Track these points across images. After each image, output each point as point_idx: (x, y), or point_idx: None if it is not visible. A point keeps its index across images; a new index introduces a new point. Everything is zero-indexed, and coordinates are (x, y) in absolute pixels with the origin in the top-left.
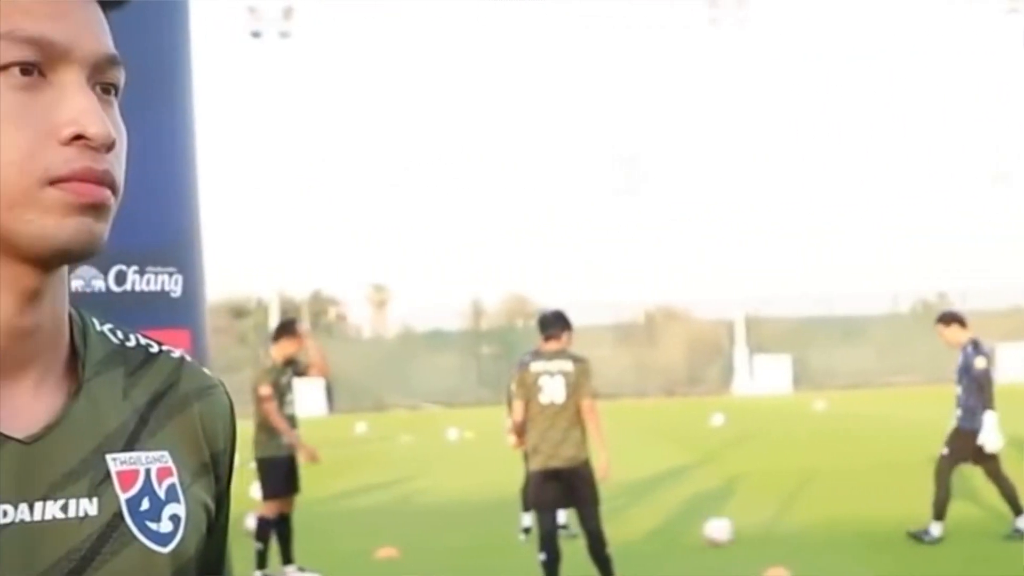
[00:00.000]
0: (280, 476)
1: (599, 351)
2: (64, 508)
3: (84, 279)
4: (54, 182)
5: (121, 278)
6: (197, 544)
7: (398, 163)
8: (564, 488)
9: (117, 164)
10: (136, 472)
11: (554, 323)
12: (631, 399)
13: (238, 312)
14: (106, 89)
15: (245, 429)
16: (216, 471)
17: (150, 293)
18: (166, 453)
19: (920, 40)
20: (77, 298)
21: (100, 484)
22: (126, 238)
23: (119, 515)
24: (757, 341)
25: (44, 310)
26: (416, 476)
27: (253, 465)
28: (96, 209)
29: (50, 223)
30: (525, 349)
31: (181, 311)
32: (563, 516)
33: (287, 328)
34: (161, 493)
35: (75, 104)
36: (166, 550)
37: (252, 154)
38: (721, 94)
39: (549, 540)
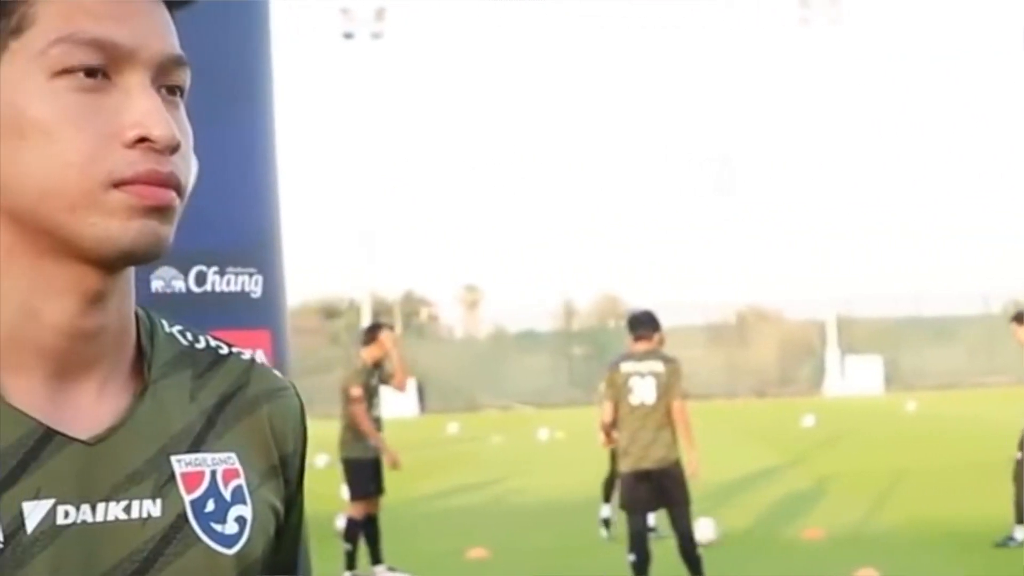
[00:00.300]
0: (366, 477)
1: (690, 352)
2: (127, 509)
3: (164, 280)
4: (118, 184)
5: (201, 279)
6: (264, 546)
7: (491, 163)
8: (655, 489)
9: (183, 165)
10: (201, 473)
11: (644, 323)
12: (722, 400)
13: (330, 313)
14: (171, 90)
15: (334, 430)
16: (286, 474)
17: (230, 294)
18: (233, 455)
19: (1016, 38)
20: (158, 299)
21: (164, 485)
22: (206, 239)
23: (183, 516)
24: (848, 342)
25: (109, 311)
26: (507, 476)
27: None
28: (161, 211)
29: (114, 225)
30: (617, 350)
31: (261, 312)
32: (651, 518)
33: (378, 330)
34: (227, 495)
35: (139, 106)
36: (231, 551)
37: (346, 155)
38: (813, 93)
39: (639, 541)
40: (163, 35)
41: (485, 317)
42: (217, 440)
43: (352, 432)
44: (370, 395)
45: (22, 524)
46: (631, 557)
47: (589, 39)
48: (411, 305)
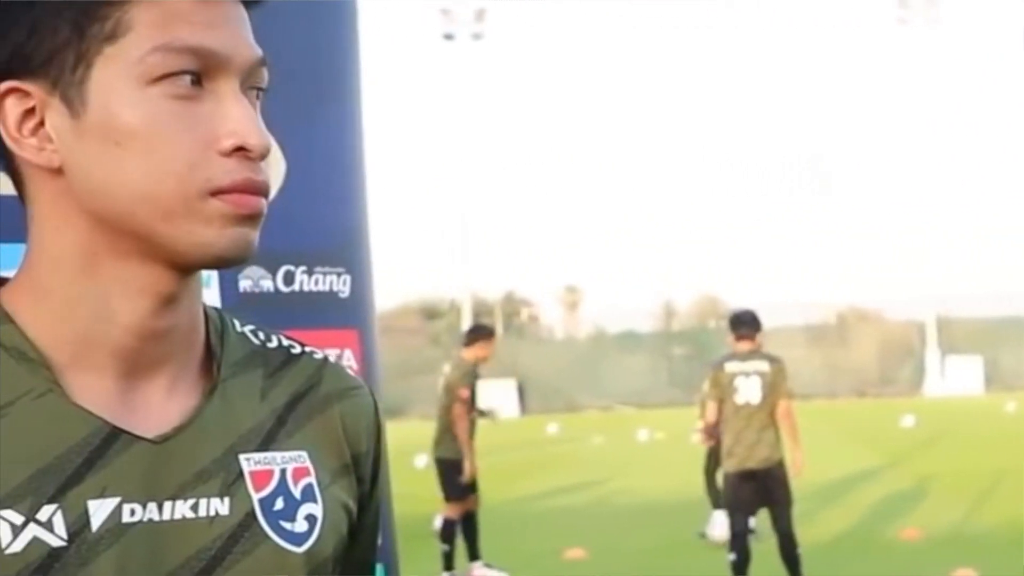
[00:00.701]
0: (461, 477)
1: (791, 352)
2: (194, 507)
3: (253, 279)
4: (215, 193)
5: (289, 278)
6: (336, 544)
7: (593, 163)
8: (758, 489)
9: (268, 169)
10: (271, 472)
11: (746, 323)
12: (822, 400)
13: (430, 314)
14: (256, 93)
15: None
16: (358, 472)
17: (318, 293)
18: (304, 453)
19: None
20: (246, 298)
21: (232, 484)
22: (294, 239)
23: (251, 515)
24: (949, 342)
25: (180, 312)
26: (606, 477)
27: None
28: (254, 219)
29: (211, 233)
30: (717, 350)
31: (349, 311)
32: (751, 520)
33: (479, 332)
34: (296, 493)
35: (234, 115)
36: (300, 549)
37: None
38: (911, 93)
39: (740, 540)
40: (249, 39)
41: (585, 318)
42: (288, 438)
43: (449, 433)
44: (473, 399)
45: (87, 522)
46: (731, 556)
47: (690, 39)
48: (512, 306)
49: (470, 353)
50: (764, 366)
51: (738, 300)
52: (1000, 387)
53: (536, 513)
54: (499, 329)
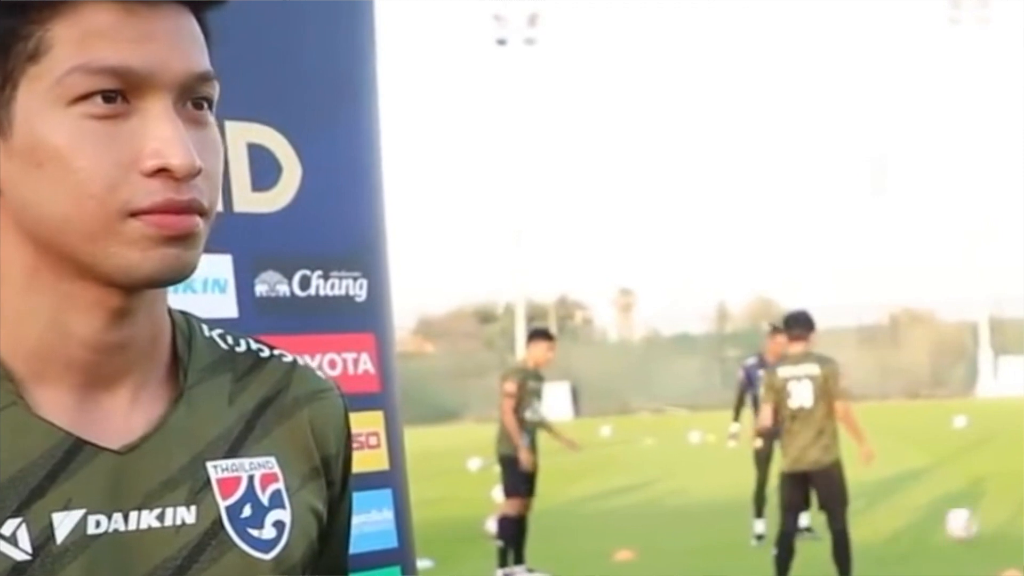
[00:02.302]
0: (520, 476)
1: (843, 353)
2: (160, 517)
3: (269, 284)
4: (135, 214)
5: (305, 283)
6: (305, 550)
7: (645, 167)
8: (813, 490)
9: (207, 186)
10: (238, 479)
11: (800, 323)
12: (874, 401)
13: (485, 317)
14: (197, 104)
15: (489, 434)
16: (328, 475)
17: (334, 298)
18: (272, 459)
19: None
20: (261, 303)
21: (199, 492)
22: (310, 243)
23: (218, 522)
24: (1001, 342)
25: (137, 325)
26: (657, 479)
27: (498, 468)
28: (182, 239)
29: (134, 256)
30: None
31: (366, 315)
32: (805, 519)
33: (536, 334)
34: (264, 499)
35: (158, 134)
36: (268, 556)
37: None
38: (962, 93)
39: (786, 539)
40: (186, 52)
41: (639, 320)
42: (255, 444)
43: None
44: (526, 397)
45: (52, 535)
46: (774, 551)
47: (743, 42)
48: (566, 308)
49: (529, 354)
50: (815, 369)
51: (791, 302)
52: None
53: (587, 514)
54: (553, 331)
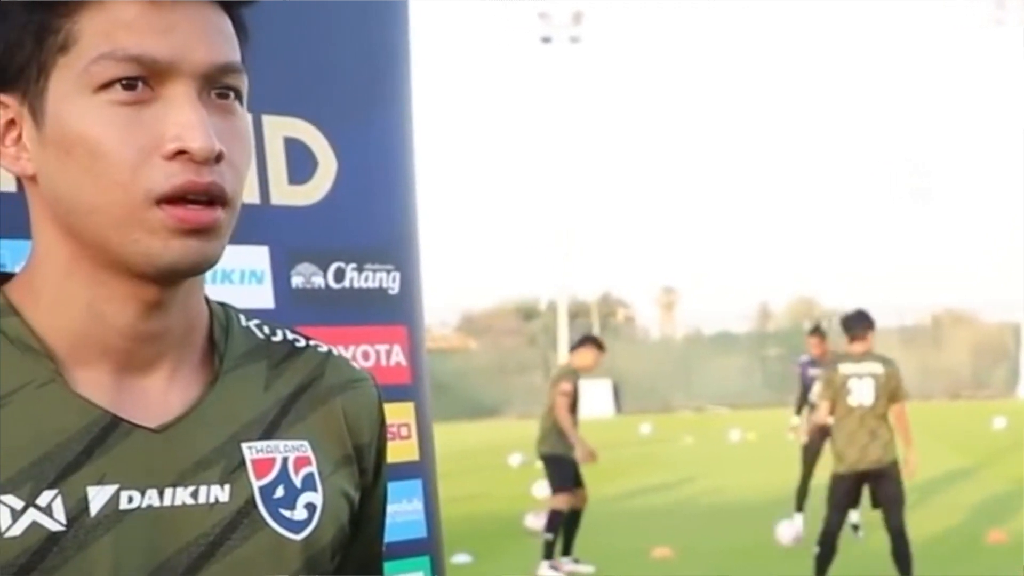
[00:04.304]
0: (565, 473)
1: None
2: (194, 495)
3: (304, 276)
4: (159, 201)
5: (340, 275)
6: (335, 533)
7: (688, 166)
8: (870, 489)
9: (230, 173)
10: (272, 460)
11: (859, 323)
12: (916, 402)
13: (527, 314)
14: (223, 94)
15: (530, 430)
16: (361, 463)
17: (368, 290)
18: (306, 443)
19: None
20: (297, 294)
21: (233, 472)
22: (345, 236)
23: (251, 502)
24: None
25: (171, 316)
26: (696, 477)
27: (539, 464)
28: (202, 232)
29: (156, 244)
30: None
31: (399, 308)
32: (855, 516)
33: (586, 341)
34: (297, 481)
35: (178, 118)
36: (299, 537)
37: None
38: (1008, 95)
39: (830, 538)
40: (210, 43)
41: (681, 319)
42: (290, 428)
43: (554, 430)
44: (576, 399)
45: (86, 508)
46: (816, 549)
47: (789, 42)
48: (608, 306)
49: (575, 358)
50: (878, 368)
51: (833, 302)
52: None
53: (625, 511)
54: (595, 329)
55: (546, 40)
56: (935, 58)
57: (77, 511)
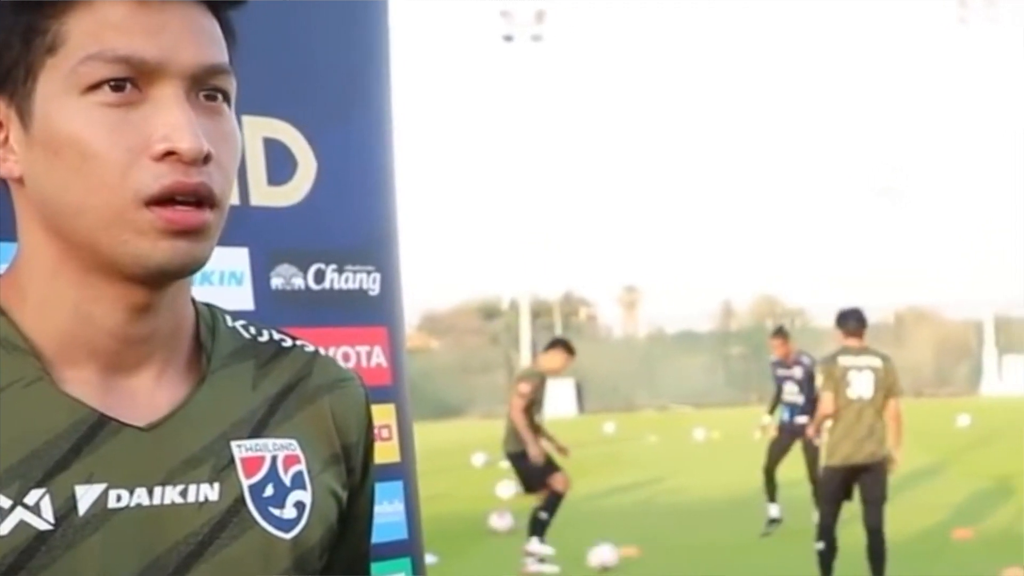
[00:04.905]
0: (536, 469)
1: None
2: (183, 493)
3: (284, 277)
4: (148, 203)
5: (320, 276)
6: (323, 532)
7: (651, 164)
8: (858, 483)
9: (219, 175)
10: (262, 458)
11: (854, 320)
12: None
13: (489, 313)
14: (211, 96)
15: (494, 430)
16: (348, 463)
17: (348, 291)
18: (294, 441)
19: None
20: (277, 296)
21: (223, 470)
22: (325, 237)
23: (240, 500)
24: (1006, 341)
25: (159, 318)
26: (661, 476)
27: (503, 464)
28: (191, 234)
29: (144, 245)
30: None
31: (379, 309)
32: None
33: (557, 344)
34: (286, 480)
35: (167, 119)
36: (288, 536)
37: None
38: (971, 93)
39: (830, 532)
40: (198, 44)
41: (643, 317)
42: (278, 427)
43: (516, 429)
44: (538, 401)
45: (74, 507)
46: (819, 545)
47: (749, 41)
48: (570, 305)
49: (543, 360)
50: (877, 362)
51: (796, 300)
52: None
53: (591, 511)
54: (558, 328)
55: (508, 39)
56: (898, 57)
57: (65, 510)
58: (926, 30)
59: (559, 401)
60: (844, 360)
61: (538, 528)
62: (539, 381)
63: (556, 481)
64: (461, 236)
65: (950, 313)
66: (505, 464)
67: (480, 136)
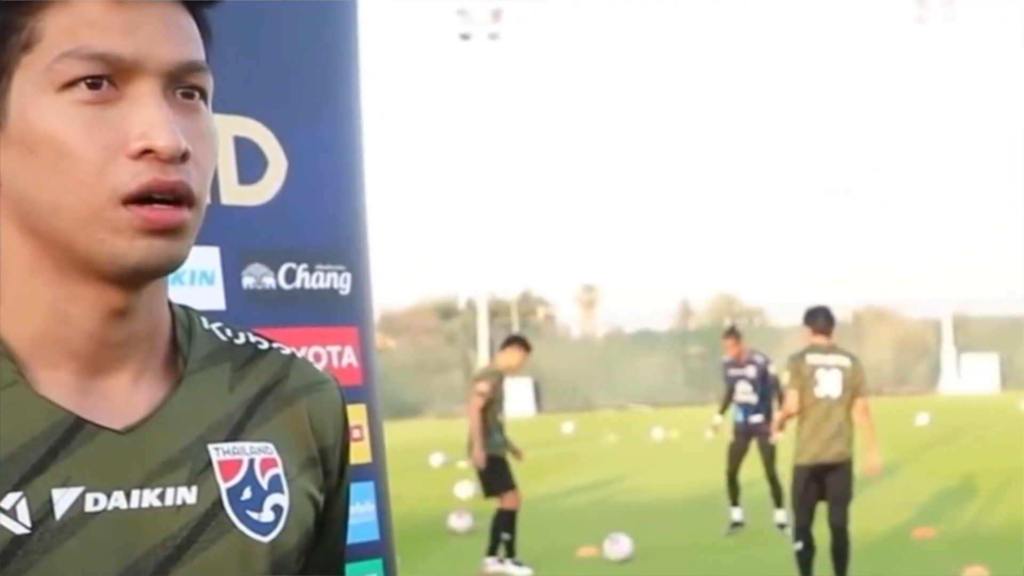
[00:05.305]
0: (499, 471)
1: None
2: (161, 496)
3: (255, 276)
4: (126, 201)
5: (291, 276)
6: (300, 536)
7: (609, 163)
8: (826, 482)
9: (196, 173)
10: (239, 462)
11: (823, 318)
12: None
13: (446, 312)
14: (188, 94)
15: (451, 429)
16: (325, 465)
17: (319, 291)
18: (271, 445)
19: None
20: (248, 295)
21: (200, 473)
22: (296, 236)
23: (218, 504)
24: (965, 340)
25: (136, 316)
26: (620, 476)
27: (461, 464)
28: (168, 232)
29: (121, 244)
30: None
31: (350, 309)
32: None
33: (513, 341)
34: (264, 483)
35: (144, 117)
36: (266, 539)
37: (464, 155)
38: (928, 92)
39: (806, 532)
40: (175, 42)
41: (602, 317)
42: (256, 430)
43: (484, 429)
44: (497, 400)
45: (51, 511)
46: (797, 546)
47: (707, 40)
48: (528, 305)
49: (501, 358)
50: (845, 361)
51: (754, 299)
52: (1015, 386)
53: (550, 511)
54: (515, 328)
55: (465, 37)
56: (857, 57)
57: (42, 514)
58: (885, 29)
59: (517, 401)
60: (813, 358)
61: (508, 549)
62: (497, 379)
63: (507, 500)
64: (418, 235)
65: (909, 312)
66: (463, 464)
67: (436, 134)
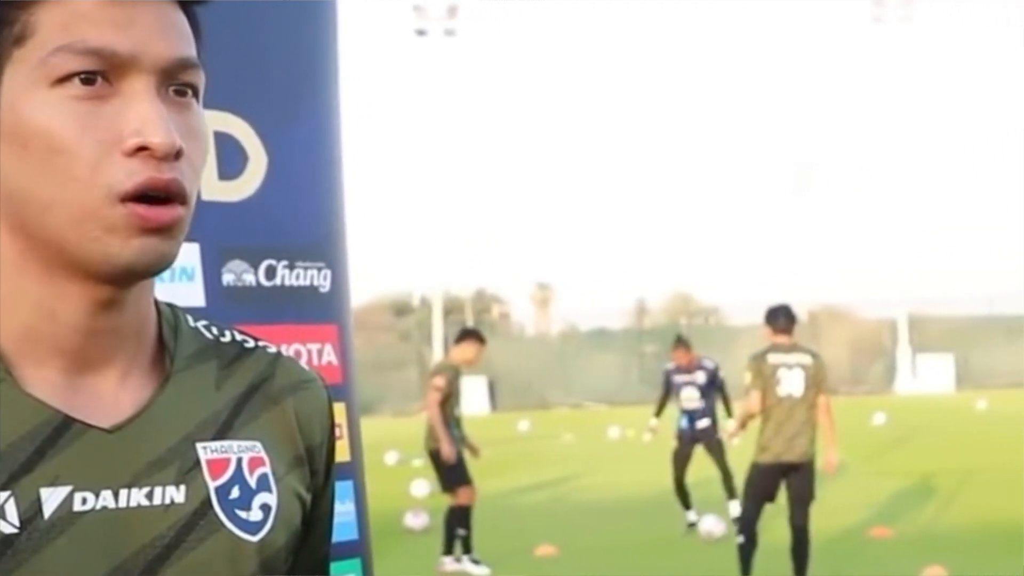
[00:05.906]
0: (460, 466)
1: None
2: (149, 495)
3: (235, 273)
4: (122, 199)
5: (271, 273)
6: (288, 536)
7: (563, 161)
8: (786, 481)
9: (189, 171)
10: (227, 460)
11: (784, 316)
12: None
13: (400, 310)
14: (181, 91)
15: (405, 427)
16: (312, 464)
17: (300, 288)
18: (258, 443)
19: None
20: (228, 292)
21: (188, 472)
22: (276, 233)
23: (207, 503)
24: (920, 340)
25: (124, 314)
26: (577, 474)
27: (416, 462)
28: (163, 231)
29: (115, 242)
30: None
31: (329, 306)
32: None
33: (466, 334)
34: (252, 482)
35: (138, 114)
36: (254, 539)
37: (418, 152)
38: (885, 91)
39: (749, 527)
40: (169, 39)
41: (557, 315)
42: (243, 428)
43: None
44: (454, 394)
45: (39, 510)
46: (740, 539)
47: (663, 38)
48: (483, 303)
49: (456, 353)
50: (807, 359)
51: (710, 298)
52: (971, 385)
53: (507, 510)
54: (470, 325)
55: (421, 33)
56: (813, 55)
57: (30, 513)
58: (841, 29)
59: (472, 399)
60: (774, 358)
61: (464, 545)
62: (453, 374)
63: (461, 496)
64: (372, 232)
65: (864, 312)
66: (418, 462)
67: (391, 131)
